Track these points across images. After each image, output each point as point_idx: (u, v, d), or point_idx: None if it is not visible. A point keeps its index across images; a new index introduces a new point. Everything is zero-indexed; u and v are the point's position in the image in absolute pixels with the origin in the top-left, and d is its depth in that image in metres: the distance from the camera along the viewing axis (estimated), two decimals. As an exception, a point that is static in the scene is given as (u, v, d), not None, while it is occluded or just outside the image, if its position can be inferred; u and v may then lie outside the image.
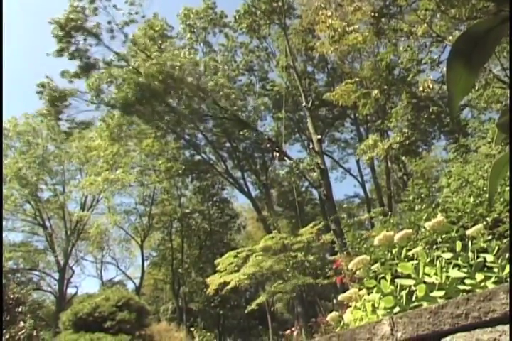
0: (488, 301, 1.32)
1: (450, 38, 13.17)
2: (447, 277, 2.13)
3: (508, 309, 1.25)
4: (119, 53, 20.05)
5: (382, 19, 14.55)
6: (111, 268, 47.26)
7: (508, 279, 1.97)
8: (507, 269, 2.04)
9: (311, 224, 15.58)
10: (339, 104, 16.02)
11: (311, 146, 19.81)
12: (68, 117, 21.01)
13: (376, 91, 15.31)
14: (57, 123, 22.37)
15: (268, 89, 25.86)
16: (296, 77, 21.18)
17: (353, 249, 5.00)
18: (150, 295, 39.06)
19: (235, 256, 15.14)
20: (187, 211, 31.87)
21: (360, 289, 2.82)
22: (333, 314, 2.89)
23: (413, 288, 2.19)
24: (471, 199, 3.70)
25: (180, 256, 32.05)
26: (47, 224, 31.62)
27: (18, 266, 32.53)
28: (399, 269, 2.34)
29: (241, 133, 22.50)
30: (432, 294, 2.09)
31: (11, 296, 9.52)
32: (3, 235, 29.24)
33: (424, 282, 2.16)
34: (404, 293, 2.23)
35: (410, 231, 2.65)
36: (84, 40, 19.41)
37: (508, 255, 2.10)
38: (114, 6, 19.43)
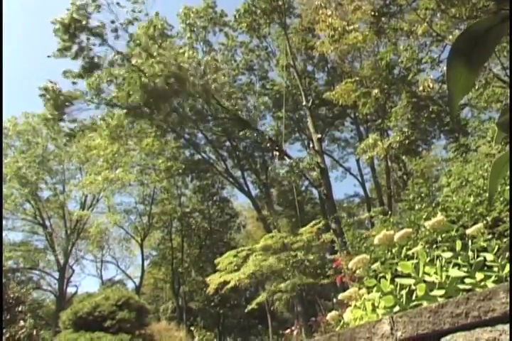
0: (488, 300, 1.32)
1: (450, 37, 13.19)
2: (447, 276, 2.13)
3: (508, 308, 1.25)
4: (122, 53, 19.89)
5: (383, 18, 14.58)
6: (111, 267, 47.49)
7: (508, 278, 1.97)
8: (507, 268, 2.04)
9: (311, 224, 15.56)
10: (339, 103, 16.05)
11: (311, 145, 19.81)
12: (70, 118, 20.93)
13: (376, 91, 15.33)
14: (59, 124, 22.21)
15: (268, 89, 25.86)
16: (296, 76, 21.19)
17: (353, 248, 5.00)
18: (150, 294, 39.06)
19: (235, 256, 15.14)
20: (187, 210, 31.87)
21: (360, 288, 2.81)
22: (333, 313, 2.88)
23: (413, 287, 2.19)
24: (471, 199, 3.70)
25: (180, 256, 32.04)
26: (47, 223, 31.65)
27: (18, 265, 32.54)
28: (399, 268, 2.34)
29: (241, 132, 22.48)
30: (431, 293, 2.09)
31: (11, 295, 9.54)
32: (3, 234, 29.30)
33: (424, 281, 2.16)
34: (404, 292, 2.23)
35: (410, 230, 2.65)
36: (88, 39, 19.32)
37: (508, 254, 2.10)
38: (118, 3, 19.29)
